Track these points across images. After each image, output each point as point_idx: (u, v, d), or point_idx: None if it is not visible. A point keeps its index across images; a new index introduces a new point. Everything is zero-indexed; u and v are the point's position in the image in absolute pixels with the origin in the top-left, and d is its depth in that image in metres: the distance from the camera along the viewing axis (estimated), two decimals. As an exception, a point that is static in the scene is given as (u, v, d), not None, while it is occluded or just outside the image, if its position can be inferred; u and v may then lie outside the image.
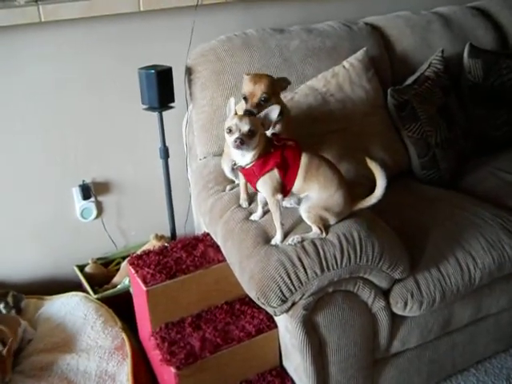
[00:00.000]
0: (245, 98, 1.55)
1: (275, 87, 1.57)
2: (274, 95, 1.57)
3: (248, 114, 1.50)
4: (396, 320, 1.69)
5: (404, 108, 2.08)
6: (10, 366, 1.75)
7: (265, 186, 1.52)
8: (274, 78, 1.59)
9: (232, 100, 1.49)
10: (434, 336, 1.79)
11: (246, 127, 1.44)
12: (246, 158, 1.49)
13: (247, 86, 1.54)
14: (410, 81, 2.20)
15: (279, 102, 1.60)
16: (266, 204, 1.64)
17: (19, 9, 1.85)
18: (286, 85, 1.63)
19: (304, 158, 1.53)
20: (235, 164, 1.55)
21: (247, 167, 1.51)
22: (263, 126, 1.48)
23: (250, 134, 1.44)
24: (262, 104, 1.53)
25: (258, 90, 1.52)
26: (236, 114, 1.48)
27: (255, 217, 1.67)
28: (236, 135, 1.43)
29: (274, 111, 1.48)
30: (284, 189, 1.53)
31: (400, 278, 1.63)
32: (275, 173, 1.50)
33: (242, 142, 1.43)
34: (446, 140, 2.13)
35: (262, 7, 2.32)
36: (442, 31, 2.43)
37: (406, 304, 1.63)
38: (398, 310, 1.65)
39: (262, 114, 1.48)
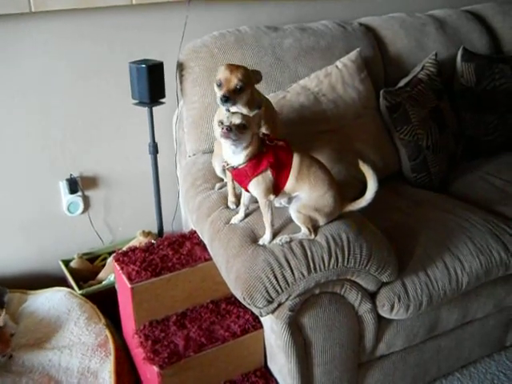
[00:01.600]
0: (219, 85, 1.51)
1: (250, 78, 1.56)
2: (249, 85, 1.54)
3: (225, 99, 1.48)
4: (382, 323, 1.68)
5: (396, 110, 2.07)
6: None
7: (258, 186, 1.50)
8: (249, 69, 1.57)
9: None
10: (419, 340, 1.79)
11: (237, 120, 1.42)
12: (238, 157, 1.47)
13: (223, 74, 1.51)
14: (402, 83, 2.19)
15: (254, 92, 1.58)
16: (248, 207, 1.64)
17: (9, -2, 1.82)
18: (260, 78, 1.61)
19: (296, 158, 1.52)
20: (227, 165, 1.52)
21: (239, 168, 1.49)
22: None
23: (242, 128, 1.42)
24: (237, 92, 1.50)
25: (234, 78, 1.49)
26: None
27: (236, 220, 1.65)
28: (226, 124, 1.41)
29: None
30: (276, 189, 1.52)
31: (387, 281, 1.62)
32: (268, 173, 1.49)
33: (230, 129, 1.40)
34: (437, 143, 2.12)
35: (257, 4, 2.30)
36: (436, 34, 2.43)
37: (392, 307, 1.62)
38: (384, 312, 1.65)
39: (252, 114, 1.46)
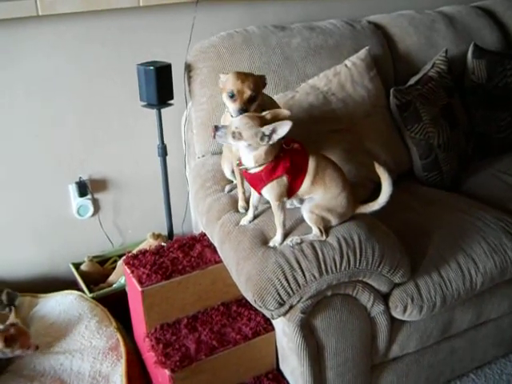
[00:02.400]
0: (232, 96, 1.48)
1: (259, 85, 1.54)
2: (260, 93, 1.53)
3: (241, 112, 1.46)
4: (395, 324, 1.66)
5: (406, 108, 2.05)
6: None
7: (272, 191, 1.47)
8: (257, 76, 1.55)
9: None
10: (433, 341, 1.77)
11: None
12: (249, 157, 1.44)
13: (234, 85, 1.48)
14: (412, 81, 2.17)
15: (264, 99, 1.57)
16: (257, 208, 1.63)
17: (16, 2, 1.82)
18: (265, 83, 1.59)
19: (312, 162, 1.49)
20: (241, 165, 1.49)
21: (255, 171, 1.46)
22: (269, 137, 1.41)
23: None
24: (250, 102, 1.49)
25: (247, 89, 1.47)
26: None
27: (245, 221, 1.63)
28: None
29: (284, 127, 1.39)
30: (290, 192, 1.50)
31: (400, 282, 1.60)
32: (284, 178, 1.46)
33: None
34: (449, 141, 2.10)
35: (264, 4, 2.28)
36: (446, 31, 2.40)
37: (405, 308, 1.60)
38: (397, 314, 1.63)
39: (271, 127, 1.39)
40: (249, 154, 1.44)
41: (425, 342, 1.74)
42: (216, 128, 1.41)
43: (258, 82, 1.53)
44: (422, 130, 2.05)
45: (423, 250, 1.70)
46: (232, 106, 1.49)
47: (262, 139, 1.39)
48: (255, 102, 1.50)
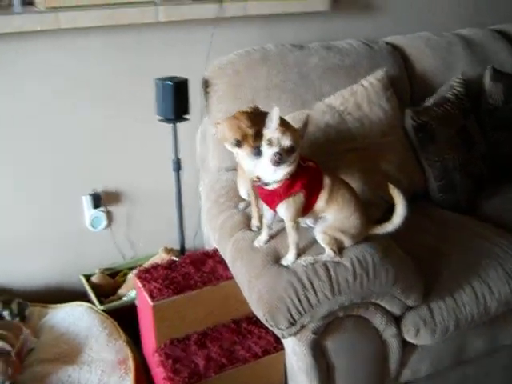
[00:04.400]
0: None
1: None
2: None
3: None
4: (407, 348, 1.64)
5: (422, 129, 2.04)
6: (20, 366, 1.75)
7: (288, 208, 1.46)
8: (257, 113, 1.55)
9: (276, 110, 1.40)
10: (445, 366, 1.74)
11: (287, 142, 1.37)
12: (276, 174, 1.42)
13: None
14: (429, 102, 2.16)
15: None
16: (271, 228, 1.61)
17: (39, 15, 1.85)
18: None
19: (327, 180, 1.49)
20: (258, 180, 1.46)
21: (272, 187, 1.45)
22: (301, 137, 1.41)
23: (291, 150, 1.38)
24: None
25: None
26: (279, 125, 1.39)
27: (259, 242, 1.61)
28: (276, 149, 1.37)
29: (274, 113, 1.39)
30: (305, 210, 1.49)
31: (413, 305, 1.58)
32: (300, 195, 1.45)
33: (281, 157, 1.36)
34: (465, 164, 2.08)
35: (282, 23, 2.30)
36: (463, 53, 2.39)
37: (418, 332, 1.59)
38: (409, 337, 1.61)
39: (300, 127, 1.41)
40: (273, 171, 1.42)
41: (437, 366, 1.72)
42: (278, 157, 1.36)
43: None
44: (438, 152, 2.04)
45: (437, 273, 1.68)
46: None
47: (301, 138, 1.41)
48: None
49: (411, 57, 2.33)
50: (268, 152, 1.39)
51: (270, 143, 1.38)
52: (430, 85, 2.31)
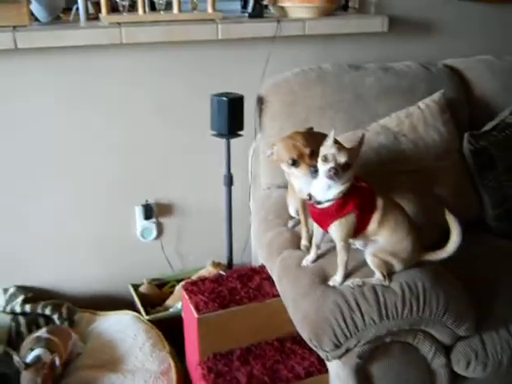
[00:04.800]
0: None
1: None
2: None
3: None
4: (456, 380, 1.58)
5: (481, 155, 1.99)
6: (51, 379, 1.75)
7: (340, 228, 1.44)
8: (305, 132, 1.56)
9: (332, 132, 1.41)
10: (497, 401, 1.67)
11: (343, 158, 1.37)
12: (330, 192, 1.42)
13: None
14: (488, 127, 2.10)
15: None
16: (320, 247, 1.60)
17: (103, 30, 1.92)
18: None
19: (380, 201, 1.47)
20: (310, 198, 1.46)
21: (325, 205, 1.44)
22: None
23: (346, 167, 1.37)
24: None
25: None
26: (335, 142, 1.40)
27: (307, 262, 1.60)
28: (331, 164, 1.36)
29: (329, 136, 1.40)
30: (356, 231, 1.47)
31: (465, 336, 1.52)
32: (353, 215, 1.44)
33: (336, 172, 1.36)
34: (524, 192, 2.01)
35: (340, 43, 2.30)
36: (526, 78, 2.32)
37: (468, 364, 1.53)
38: (459, 369, 1.55)
39: (355, 146, 1.41)
40: (327, 188, 1.41)
41: (488, 401, 1.65)
42: (333, 172, 1.36)
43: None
44: (496, 178, 1.98)
45: (491, 303, 1.62)
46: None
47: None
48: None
49: (471, 80, 2.28)
50: (323, 168, 1.38)
51: (326, 159, 1.38)
52: (490, 109, 2.25)
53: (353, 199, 1.43)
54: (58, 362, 1.71)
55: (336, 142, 1.41)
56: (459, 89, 2.21)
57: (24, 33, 1.85)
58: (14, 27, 1.84)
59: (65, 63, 1.99)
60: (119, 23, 1.94)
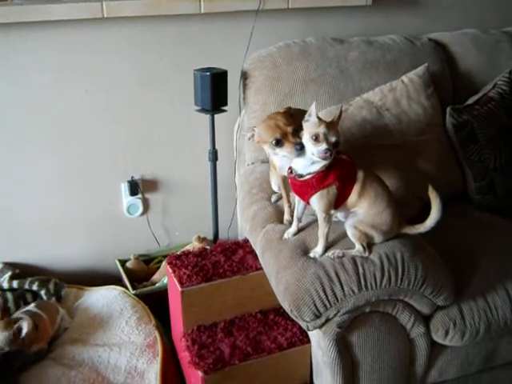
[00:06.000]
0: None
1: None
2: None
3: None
4: (435, 348, 1.61)
5: (463, 128, 1.99)
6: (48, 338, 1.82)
7: (321, 200, 1.46)
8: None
9: (314, 105, 1.41)
10: (475, 369, 1.70)
11: (333, 138, 1.39)
12: (313, 167, 1.43)
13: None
14: (471, 101, 2.11)
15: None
16: (301, 220, 1.61)
17: (84, 4, 1.90)
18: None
19: (360, 173, 1.49)
20: (291, 172, 1.48)
21: (305, 178, 1.45)
22: None
23: (336, 145, 1.40)
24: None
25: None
26: (319, 119, 1.41)
27: (288, 234, 1.62)
28: (325, 146, 1.38)
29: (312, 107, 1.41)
30: (337, 203, 1.49)
31: (443, 305, 1.55)
32: (333, 187, 1.45)
33: (331, 153, 1.38)
34: (507, 165, 2.02)
35: (324, 16, 2.29)
36: (511, 51, 2.32)
37: (447, 333, 1.55)
38: (438, 338, 1.58)
39: (337, 121, 1.43)
40: (311, 164, 1.43)
41: (466, 369, 1.68)
42: (326, 152, 1.38)
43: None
44: (478, 152, 1.99)
45: (470, 274, 1.65)
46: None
47: None
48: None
49: (456, 54, 2.28)
50: (314, 148, 1.39)
51: (317, 139, 1.38)
52: (474, 83, 2.25)
53: (334, 171, 1.45)
54: (25, 329, 1.71)
55: (317, 117, 1.41)
56: (443, 63, 2.22)
57: (5, 7, 1.83)
58: (-5, 2, 1.82)
59: (46, 39, 1.97)
60: (100, -3, 1.92)
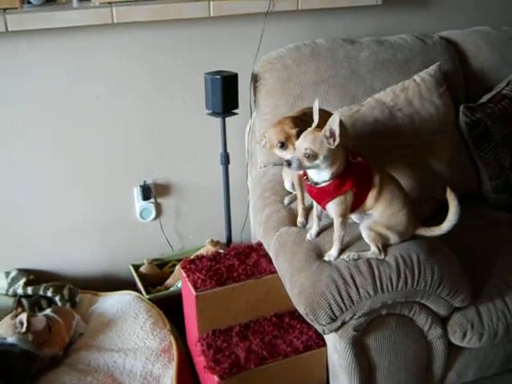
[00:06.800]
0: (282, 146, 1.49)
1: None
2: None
3: (286, 165, 1.41)
4: (453, 350, 1.60)
5: (477, 127, 1.98)
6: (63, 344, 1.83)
7: (338, 206, 1.45)
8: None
9: (316, 102, 1.41)
10: (493, 371, 1.69)
11: (304, 148, 1.36)
12: (322, 175, 1.42)
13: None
14: (484, 99, 2.09)
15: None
16: (321, 219, 1.60)
17: (94, 10, 1.90)
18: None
19: (377, 178, 1.48)
20: (307, 179, 1.47)
21: (321, 185, 1.44)
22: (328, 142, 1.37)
23: (308, 157, 1.36)
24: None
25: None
26: (316, 127, 1.40)
27: (312, 236, 1.61)
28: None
29: (334, 120, 1.35)
30: (353, 207, 1.48)
31: (460, 307, 1.54)
32: (350, 193, 1.44)
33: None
34: (522, 163, 2.00)
35: (334, 17, 2.28)
36: (524, 48, 2.30)
37: (464, 334, 1.54)
38: (455, 339, 1.56)
39: (327, 127, 1.37)
40: (317, 172, 1.42)
41: (484, 371, 1.67)
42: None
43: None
44: (493, 150, 1.97)
45: (487, 275, 1.63)
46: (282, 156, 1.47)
47: (328, 143, 1.36)
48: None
49: (467, 52, 2.26)
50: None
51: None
52: (486, 81, 2.23)
53: (350, 177, 1.44)
54: (25, 324, 1.72)
55: (323, 120, 1.39)
56: (455, 61, 2.19)
57: (15, 15, 1.84)
58: (5, 10, 1.83)
59: (57, 45, 1.98)
60: (110, 3, 1.92)
